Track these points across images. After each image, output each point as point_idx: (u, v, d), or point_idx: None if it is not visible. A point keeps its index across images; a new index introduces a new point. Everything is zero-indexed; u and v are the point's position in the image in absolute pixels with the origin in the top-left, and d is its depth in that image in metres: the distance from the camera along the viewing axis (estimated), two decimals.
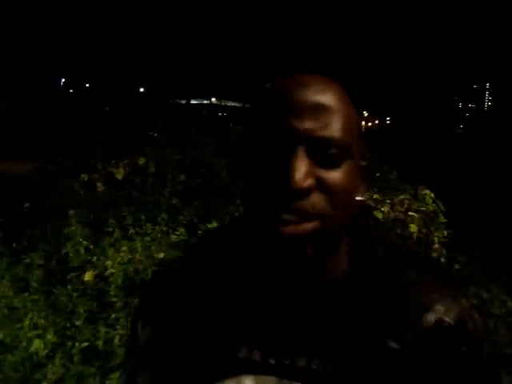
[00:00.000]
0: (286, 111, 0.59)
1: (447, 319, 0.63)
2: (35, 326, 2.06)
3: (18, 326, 2.09)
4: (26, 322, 2.08)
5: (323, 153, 0.59)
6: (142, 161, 4.00)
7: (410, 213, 3.52)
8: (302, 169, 0.57)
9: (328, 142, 0.58)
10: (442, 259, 3.58)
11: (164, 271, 0.80)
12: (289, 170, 0.56)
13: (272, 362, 0.64)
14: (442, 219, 3.65)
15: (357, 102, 0.69)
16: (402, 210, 3.53)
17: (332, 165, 0.59)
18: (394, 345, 0.62)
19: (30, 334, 2.03)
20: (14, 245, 2.94)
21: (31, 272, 2.60)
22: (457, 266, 3.62)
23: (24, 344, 2.03)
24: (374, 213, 3.50)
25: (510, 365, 2.52)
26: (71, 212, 3.11)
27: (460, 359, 0.63)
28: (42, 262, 2.67)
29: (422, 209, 3.59)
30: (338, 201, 0.59)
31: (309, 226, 0.57)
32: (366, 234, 0.71)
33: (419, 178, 3.95)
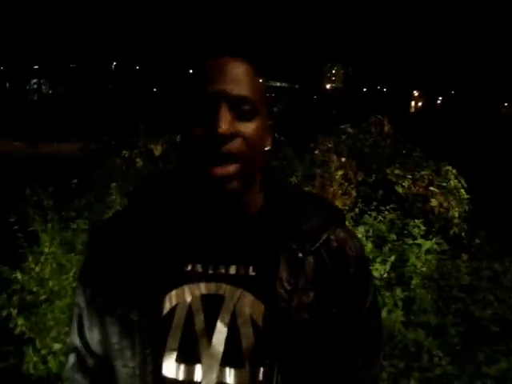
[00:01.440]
0: (213, 80, 0.79)
1: (333, 238, 0.87)
2: None
3: (64, 277, 2.42)
4: (71, 275, 2.41)
5: (239, 109, 0.78)
6: (178, 138, 4.28)
7: (431, 188, 3.64)
8: (225, 119, 0.76)
9: (242, 99, 0.78)
10: (463, 233, 3.69)
11: (107, 221, 1.03)
12: (216, 120, 0.75)
13: (210, 272, 0.82)
14: (464, 195, 3.75)
15: (263, 73, 0.88)
16: (423, 185, 3.65)
17: (246, 119, 0.79)
18: (298, 253, 0.83)
19: (73, 285, 2.36)
20: (63, 213, 3.28)
21: (77, 235, 2.92)
22: (477, 241, 3.72)
23: (69, 292, 2.37)
24: (396, 187, 3.64)
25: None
26: (112, 184, 3.42)
27: (340, 264, 0.86)
28: (86, 227, 2.98)
29: (444, 184, 3.70)
30: (253, 146, 0.79)
31: (233, 167, 0.77)
32: (275, 180, 0.92)
33: (444, 155, 4.04)
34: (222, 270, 0.84)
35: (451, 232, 3.63)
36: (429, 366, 2.61)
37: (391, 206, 3.39)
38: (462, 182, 3.78)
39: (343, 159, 3.62)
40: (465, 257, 3.31)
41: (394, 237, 3.15)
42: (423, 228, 3.15)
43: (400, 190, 3.59)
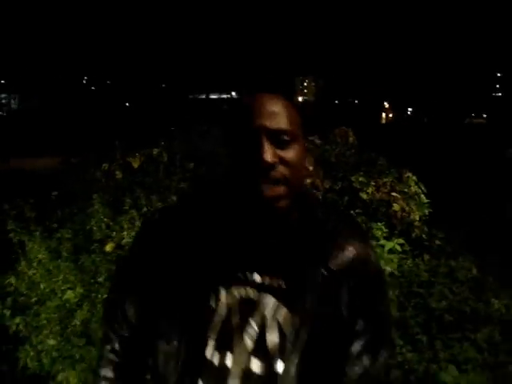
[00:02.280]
0: (255, 115, 0.97)
1: (356, 257, 1.04)
2: (67, 281, 2.57)
3: (54, 279, 2.59)
4: (60, 278, 2.58)
5: (279, 139, 0.97)
6: (155, 151, 4.47)
7: (394, 193, 3.92)
8: (269, 150, 0.95)
9: (280, 131, 0.97)
10: (423, 235, 3.98)
11: (162, 210, 1.23)
12: (261, 152, 0.94)
13: (249, 279, 1.00)
14: (424, 199, 4.04)
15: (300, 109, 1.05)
16: (386, 191, 3.93)
17: (286, 147, 0.98)
18: (323, 271, 1.01)
19: (63, 287, 2.53)
20: (47, 223, 3.44)
21: (62, 244, 3.10)
22: (437, 242, 4.00)
23: (59, 294, 2.54)
24: (360, 194, 3.91)
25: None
26: (94, 195, 3.60)
27: (364, 281, 1.05)
28: (70, 236, 3.16)
29: (405, 190, 3.99)
30: (294, 168, 0.98)
31: (281, 188, 0.97)
32: (310, 198, 1.11)
33: (406, 163, 4.34)
34: (258, 279, 1.02)
35: (413, 234, 3.90)
36: None
37: (357, 211, 3.66)
38: (422, 187, 4.07)
39: (310, 168, 3.87)
40: (426, 257, 3.58)
41: None
42: (386, 230, 3.42)
43: (364, 196, 3.86)
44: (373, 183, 3.92)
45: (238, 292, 1.02)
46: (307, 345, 0.99)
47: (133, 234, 2.99)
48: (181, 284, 1.02)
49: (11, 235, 2.84)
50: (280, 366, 0.99)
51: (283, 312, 1.01)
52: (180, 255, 1.03)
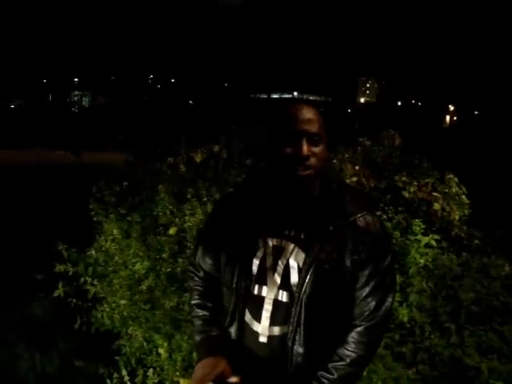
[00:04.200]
0: (297, 121, 1.40)
1: (362, 220, 1.45)
2: (136, 256, 3.03)
3: (126, 253, 3.06)
4: (131, 252, 3.05)
5: (312, 139, 1.40)
6: (216, 148, 4.90)
7: (435, 193, 4.15)
8: (306, 147, 1.38)
9: (314, 134, 1.41)
10: (462, 234, 4.17)
11: (226, 193, 1.72)
12: (300, 147, 1.37)
13: (280, 232, 1.44)
14: (465, 200, 4.23)
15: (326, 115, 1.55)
16: (427, 190, 4.16)
17: (316, 145, 1.41)
18: (330, 227, 1.42)
19: (133, 260, 2.99)
20: (119, 208, 3.94)
21: (132, 226, 3.57)
22: (476, 241, 4.18)
23: (130, 266, 3.00)
24: (403, 192, 4.16)
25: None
26: (160, 186, 4.06)
27: (367, 238, 1.44)
28: (139, 219, 3.63)
29: (446, 190, 4.20)
30: (320, 160, 1.42)
31: (310, 172, 1.40)
32: (328, 179, 1.53)
33: (452, 167, 4.53)
34: (286, 232, 1.46)
35: (453, 233, 4.11)
36: (420, 340, 3.11)
37: (399, 208, 3.92)
38: (464, 189, 4.26)
39: (357, 167, 4.17)
40: (464, 254, 3.79)
41: (397, 234, 3.68)
42: (423, 226, 3.67)
43: (406, 194, 4.11)
44: (415, 183, 4.16)
45: (272, 241, 1.45)
46: (315, 280, 1.38)
47: (194, 219, 3.40)
48: (237, 236, 1.47)
49: (92, 214, 3.35)
50: (296, 296, 1.40)
51: (301, 255, 1.42)
52: (238, 220, 1.49)
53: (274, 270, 1.43)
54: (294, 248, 1.43)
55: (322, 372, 1.41)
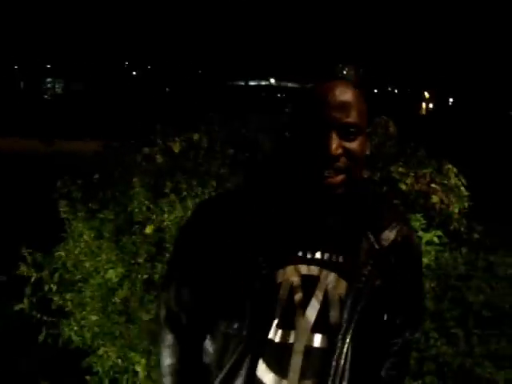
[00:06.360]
0: (323, 107, 1.02)
1: (400, 235, 1.13)
2: (109, 261, 2.67)
3: (97, 259, 2.70)
4: (103, 257, 2.69)
5: (347, 131, 1.03)
6: (196, 136, 4.53)
7: (433, 185, 3.88)
8: (334, 144, 1.01)
9: (349, 125, 1.03)
10: (462, 228, 3.92)
11: (218, 195, 1.31)
12: (328, 145, 1.00)
13: (309, 256, 1.08)
14: (464, 192, 3.97)
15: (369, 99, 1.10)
16: (425, 182, 3.88)
17: (352, 139, 1.04)
18: (376, 245, 1.10)
19: (106, 266, 2.64)
20: (90, 204, 3.56)
21: (104, 225, 3.20)
22: (476, 235, 3.94)
23: (102, 273, 2.65)
24: (399, 184, 3.88)
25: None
26: (135, 179, 3.69)
27: (407, 259, 1.15)
28: (112, 217, 3.26)
29: (445, 182, 3.93)
30: (356, 159, 1.06)
31: (340, 177, 1.04)
32: (362, 185, 1.19)
33: (446, 155, 4.26)
34: (318, 256, 1.09)
35: (451, 227, 3.85)
36: (425, 347, 2.84)
37: (395, 201, 3.64)
38: (463, 180, 4.00)
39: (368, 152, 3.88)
40: (464, 250, 3.54)
41: None
42: (424, 221, 3.39)
43: (403, 187, 3.82)
44: (412, 174, 3.88)
45: (301, 270, 1.07)
46: (363, 317, 1.06)
47: (172, 217, 3.05)
48: (243, 266, 1.06)
49: (62, 210, 2.98)
50: (339, 340, 1.05)
51: (343, 285, 1.07)
52: (241, 238, 1.07)
53: (305, 308, 1.06)
54: (332, 276, 1.07)
55: None
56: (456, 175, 3.95)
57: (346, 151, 1.04)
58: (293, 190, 1.12)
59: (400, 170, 3.82)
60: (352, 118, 1.03)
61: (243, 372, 1.05)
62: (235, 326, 1.06)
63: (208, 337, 1.12)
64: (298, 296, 1.06)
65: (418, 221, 3.38)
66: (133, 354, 2.34)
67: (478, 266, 3.20)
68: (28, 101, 32.21)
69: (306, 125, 1.04)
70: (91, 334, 2.49)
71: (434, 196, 3.82)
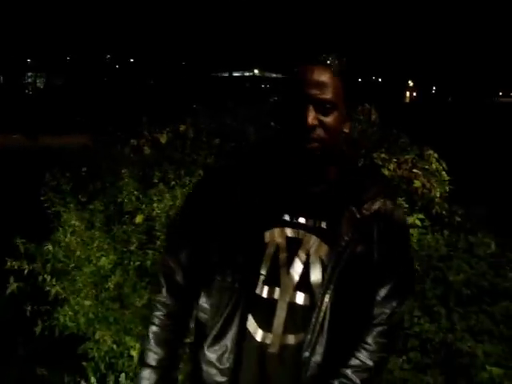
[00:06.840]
0: (302, 84, 1.15)
1: (383, 207, 1.21)
2: (101, 249, 2.73)
3: (89, 247, 2.76)
4: (94, 245, 2.75)
5: (322, 106, 1.15)
6: (182, 127, 4.59)
7: (415, 170, 3.98)
8: (311, 116, 1.14)
9: (324, 100, 1.15)
10: (444, 212, 4.04)
11: (218, 167, 1.41)
12: (305, 116, 1.14)
13: (295, 221, 1.19)
14: (445, 176, 4.09)
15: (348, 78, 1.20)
16: (407, 167, 3.99)
17: (327, 113, 1.16)
18: (357, 214, 1.19)
19: (97, 254, 2.70)
20: (79, 196, 3.60)
21: (94, 216, 3.26)
22: (458, 219, 4.06)
23: (94, 261, 2.71)
24: (382, 170, 3.98)
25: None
26: (123, 170, 3.74)
27: (391, 229, 1.22)
28: (102, 208, 3.32)
29: (426, 167, 4.04)
30: (331, 132, 1.17)
31: (316, 144, 1.16)
32: (348, 158, 1.31)
33: (428, 142, 4.37)
34: (303, 221, 1.21)
35: (433, 210, 3.97)
36: (409, 325, 2.95)
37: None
38: (444, 165, 4.11)
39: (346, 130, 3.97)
40: (446, 232, 3.65)
41: None
42: (406, 205, 3.50)
43: (386, 172, 3.92)
44: (394, 160, 3.98)
45: (287, 232, 1.19)
46: (342, 279, 1.15)
47: (162, 206, 3.12)
48: (236, 226, 1.19)
49: (48, 205, 3.02)
50: (319, 298, 1.15)
51: (324, 249, 1.18)
52: (236, 202, 1.21)
53: (289, 267, 1.17)
54: (315, 240, 1.18)
55: (342, 380, 1.20)
56: (437, 160, 4.06)
57: (322, 123, 1.16)
58: (279, 159, 1.24)
59: (383, 156, 3.92)
60: (327, 94, 1.15)
61: (234, 326, 1.17)
62: (229, 279, 1.17)
63: (203, 294, 1.24)
64: (283, 256, 1.18)
65: (400, 205, 3.49)
66: (128, 338, 2.41)
67: (459, 247, 3.31)
68: (9, 96, 31.79)
69: (288, 100, 1.18)
70: (85, 319, 2.55)
71: (416, 181, 3.93)
